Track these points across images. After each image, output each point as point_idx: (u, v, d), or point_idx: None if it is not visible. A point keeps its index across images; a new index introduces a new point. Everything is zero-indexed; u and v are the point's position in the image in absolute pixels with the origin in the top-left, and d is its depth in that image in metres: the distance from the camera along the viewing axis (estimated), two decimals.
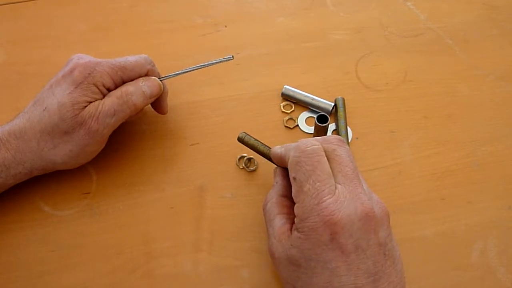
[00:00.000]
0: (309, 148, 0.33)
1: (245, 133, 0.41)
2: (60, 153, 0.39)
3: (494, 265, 0.38)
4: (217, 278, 0.38)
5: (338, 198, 0.30)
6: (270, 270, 0.39)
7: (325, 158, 0.33)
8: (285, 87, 0.48)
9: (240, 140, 0.41)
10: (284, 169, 0.38)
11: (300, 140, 0.34)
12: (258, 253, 0.39)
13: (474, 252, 0.39)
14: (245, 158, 0.44)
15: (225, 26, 0.54)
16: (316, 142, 0.33)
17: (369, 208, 0.31)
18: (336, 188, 0.31)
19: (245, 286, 0.38)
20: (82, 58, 0.40)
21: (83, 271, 0.39)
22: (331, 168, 0.33)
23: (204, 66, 0.43)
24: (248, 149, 0.41)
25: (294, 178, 0.33)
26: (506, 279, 0.38)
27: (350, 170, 0.33)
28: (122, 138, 0.46)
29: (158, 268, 0.39)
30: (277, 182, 0.37)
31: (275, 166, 0.39)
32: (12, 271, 0.39)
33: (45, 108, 0.38)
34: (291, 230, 0.33)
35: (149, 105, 0.45)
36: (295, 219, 0.32)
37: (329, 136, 0.35)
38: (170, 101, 0.47)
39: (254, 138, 0.41)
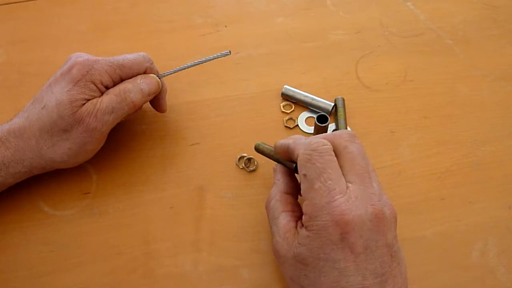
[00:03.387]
0: (320, 147, 0.32)
1: (262, 142, 0.41)
2: (59, 151, 0.39)
3: (494, 265, 0.38)
4: (217, 278, 0.38)
5: (350, 197, 0.30)
6: (270, 270, 0.39)
7: (335, 158, 0.32)
8: (285, 87, 0.48)
9: (256, 149, 0.41)
10: (284, 167, 0.38)
11: (310, 138, 0.34)
12: (258, 253, 0.39)
13: (474, 252, 0.39)
14: (245, 158, 0.44)
15: (225, 26, 0.54)
16: (326, 141, 0.33)
17: (379, 209, 0.31)
18: (347, 187, 0.31)
19: (245, 286, 0.38)
20: (81, 56, 0.40)
21: (83, 271, 0.39)
22: (342, 165, 0.33)
23: (202, 62, 0.43)
24: (248, 150, 0.41)
25: (305, 175, 0.32)
26: (506, 279, 0.38)
27: (362, 168, 0.32)
28: (122, 138, 0.46)
29: (158, 268, 0.39)
30: (278, 180, 0.37)
31: (275, 164, 0.39)
32: (12, 271, 0.39)
33: (44, 106, 0.38)
34: (296, 227, 0.33)
35: (149, 105, 0.45)
36: (304, 216, 0.32)
37: (341, 131, 0.35)
38: (170, 100, 0.47)
39: (268, 145, 0.41)
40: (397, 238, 0.32)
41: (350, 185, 0.31)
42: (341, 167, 0.33)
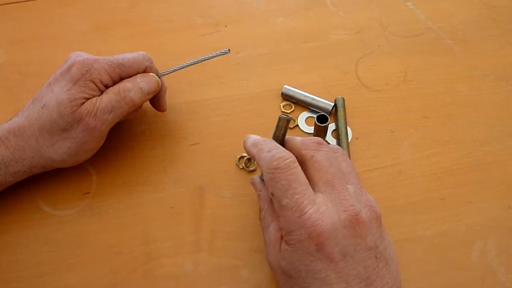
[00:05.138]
0: (282, 163, 0.32)
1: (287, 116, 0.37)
2: (59, 151, 0.39)
3: (494, 265, 0.38)
4: (217, 278, 0.38)
5: (320, 207, 0.30)
6: (270, 270, 0.39)
7: (299, 168, 0.32)
8: (285, 87, 0.48)
9: (281, 119, 0.36)
10: (260, 177, 0.38)
11: (272, 151, 0.33)
12: (258, 253, 0.39)
13: (474, 252, 0.39)
14: (245, 158, 0.44)
15: (225, 26, 0.54)
16: (288, 154, 0.32)
17: (353, 214, 0.31)
18: (316, 197, 0.31)
19: (245, 286, 0.38)
20: (80, 55, 0.40)
21: (83, 271, 0.39)
22: (311, 175, 0.33)
23: (201, 60, 0.43)
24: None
25: (272, 194, 0.32)
26: (506, 279, 0.38)
27: (331, 175, 0.32)
28: (122, 138, 0.46)
29: (158, 268, 0.39)
30: (261, 191, 0.37)
31: (251, 177, 0.39)
32: (12, 271, 0.39)
33: (44, 105, 0.38)
34: (282, 239, 0.32)
35: (149, 104, 0.45)
36: (282, 231, 0.32)
37: (308, 139, 0.34)
38: (170, 100, 0.47)
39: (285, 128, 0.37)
40: (384, 237, 0.32)
41: (320, 194, 0.31)
42: (310, 176, 0.33)
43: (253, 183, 0.39)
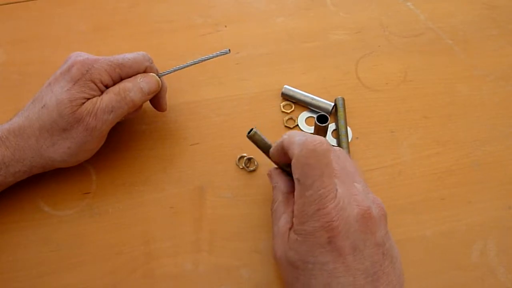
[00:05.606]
0: (319, 147, 0.30)
1: (259, 131, 0.37)
2: (59, 151, 0.39)
3: (494, 265, 0.38)
4: (217, 278, 0.38)
5: (338, 203, 0.30)
6: (270, 270, 0.39)
7: (331, 159, 0.31)
8: (285, 87, 0.48)
9: (250, 137, 0.37)
10: (278, 169, 0.38)
11: (306, 136, 0.31)
12: (258, 253, 0.39)
13: (474, 252, 0.39)
14: (245, 158, 0.44)
15: (225, 26, 0.54)
16: (324, 139, 0.31)
17: (366, 209, 0.31)
18: (337, 191, 0.31)
19: (245, 286, 0.38)
20: (81, 55, 0.40)
21: (83, 271, 0.39)
22: None
23: (201, 61, 0.43)
24: (248, 150, 0.41)
25: (298, 180, 0.31)
26: (506, 279, 0.38)
27: (338, 172, 0.32)
28: (122, 138, 0.46)
29: (158, 268, 0.39)
30: (277, 183, 0.37)
31: (269, 169, 0.39)
32: (12, 271, 0.39)
33: (44, 105, 0.38)
34: (290, 229, 0.33)
35: (149, 104, 0.45)
36: (294, 219, 0.32)
37: (312, 137, 0.33)
38: (170, 101, 0.47)
39: (264, 137, 0.38)
40: (389, 236, 0.32)
41: (339, 189, 0.31)
42: None
43: (269, 175, 0.38)
